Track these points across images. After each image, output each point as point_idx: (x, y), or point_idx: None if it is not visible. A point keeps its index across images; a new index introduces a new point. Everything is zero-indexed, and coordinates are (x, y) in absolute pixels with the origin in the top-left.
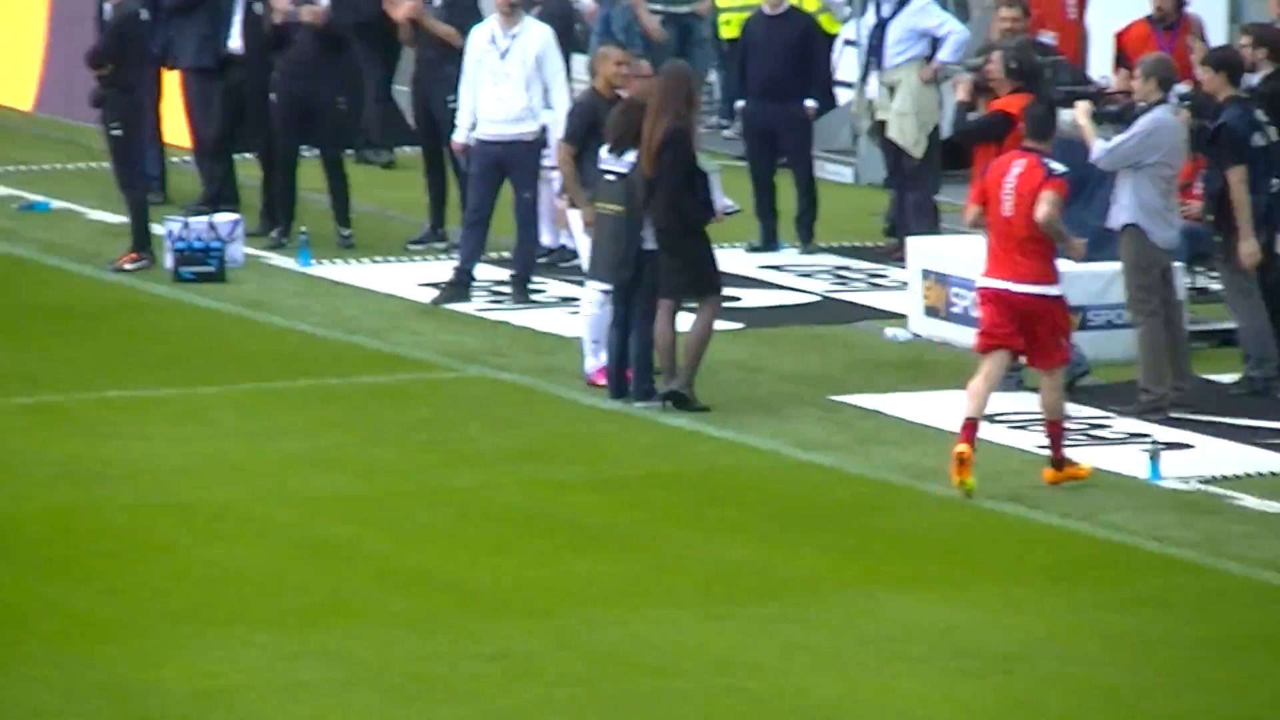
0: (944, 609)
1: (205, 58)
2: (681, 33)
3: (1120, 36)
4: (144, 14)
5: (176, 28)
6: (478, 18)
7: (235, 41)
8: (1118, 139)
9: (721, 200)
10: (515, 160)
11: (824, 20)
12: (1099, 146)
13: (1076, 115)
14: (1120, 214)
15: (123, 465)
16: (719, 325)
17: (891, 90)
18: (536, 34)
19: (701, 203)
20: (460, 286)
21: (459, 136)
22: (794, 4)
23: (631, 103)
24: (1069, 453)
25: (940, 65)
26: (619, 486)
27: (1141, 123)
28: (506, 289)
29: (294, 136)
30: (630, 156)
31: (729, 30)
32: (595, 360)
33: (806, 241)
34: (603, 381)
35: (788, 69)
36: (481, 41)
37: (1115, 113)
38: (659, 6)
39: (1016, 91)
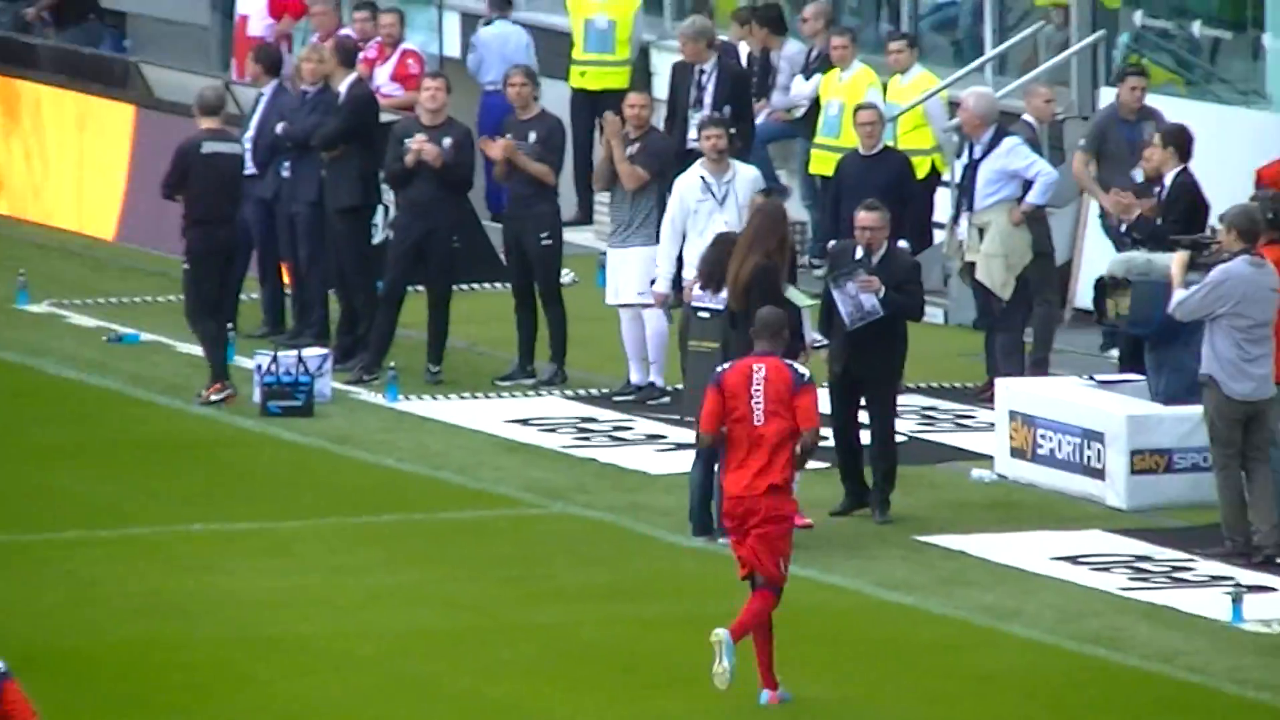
0: None
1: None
2: None
3: (1261, 172)
4: (213, 146)
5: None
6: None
7: None
8: (1190, 290)
9: (810, 335)
10: None
11: (937, 160)
12: (1177, 296)
13: (1173, 264)
14: (1203, 364)
15: (206, 599)
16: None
17: (981, 232)
18: (745, 176)
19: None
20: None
21: (661, 286)
22: (888, 145)
23: (722, 240)
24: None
25: (1029, 207)
26: (702, 623)
27: (1212, 274)
28: (594, 426)
29: (407, 274)
30: (724, 294)
31: (820, 167)
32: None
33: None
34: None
35: None
36: (693, 190)
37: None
38: None
39: (1273, 242)
